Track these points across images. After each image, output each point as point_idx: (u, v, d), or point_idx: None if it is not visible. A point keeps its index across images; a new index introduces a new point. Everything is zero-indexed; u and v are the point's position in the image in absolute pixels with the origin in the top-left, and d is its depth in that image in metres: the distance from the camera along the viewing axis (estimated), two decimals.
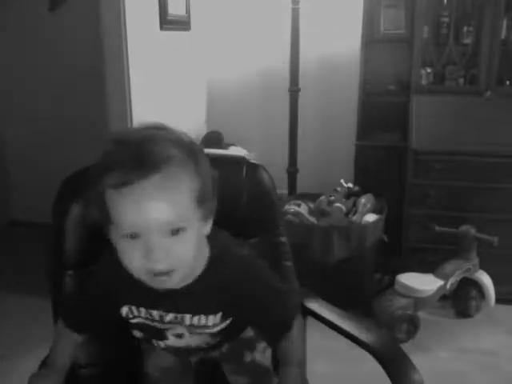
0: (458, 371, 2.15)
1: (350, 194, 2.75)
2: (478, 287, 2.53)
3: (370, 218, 2.58)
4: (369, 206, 2.67)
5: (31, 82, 3.55)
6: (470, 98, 2.70)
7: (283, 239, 1.31)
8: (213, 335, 1.00)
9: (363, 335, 1.13)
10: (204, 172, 0.84)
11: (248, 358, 1.12)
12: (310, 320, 1.28)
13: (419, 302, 2.39)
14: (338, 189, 2.77)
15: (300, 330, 1.02)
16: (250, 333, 1.12)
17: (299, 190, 3.01)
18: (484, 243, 2.43)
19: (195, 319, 0.96)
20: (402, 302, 2.37)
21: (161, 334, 1.00)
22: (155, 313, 0.97)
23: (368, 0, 2.86)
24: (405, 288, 2.40)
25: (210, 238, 0.93)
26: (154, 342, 1.04)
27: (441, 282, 2.43)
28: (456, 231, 2.48)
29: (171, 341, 1.01)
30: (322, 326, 1.23)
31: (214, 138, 3.10)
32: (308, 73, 3.00)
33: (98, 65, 2.55)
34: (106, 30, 2.38)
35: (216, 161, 0.93)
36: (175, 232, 0.81)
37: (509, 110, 2.65)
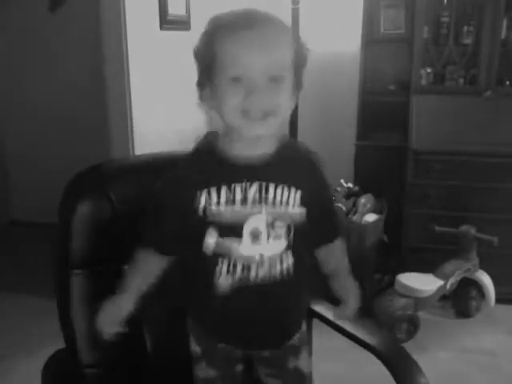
0: (458, 371, 2.15)
1: (349, 194, 2.75)
2: (478, 287, 2.53)
3: (370, 218, 2.58)
4: (369, 206, 2.67)
5: (31, 81, 3.55)
6: (470, 98, 2.70)
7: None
8: (287, 234, 0.97)
9: (369, 338, 1.13)
10: (300, 43, 0.94)
11: (291, 364, 1.08)
12: (315, 322, 1.29)
13: (419, 302, 2.39)
14: (338, 189, 2.77)
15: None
16: (295, 340, 1.08)
17: None
18: (484, 243, 2.43)
19: (278, 191, 0.95)
20: (402, 302, 2.37)
21: (238, 231, 0.94)
22: (238, 188, 0.93)
23: (368, 0, 2.87)
24: (405, 288, 2.40)
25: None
26: (226, 252, 0.96)
27: (441, 282, 2.43)
28: (456, 231, 2.48)
29: (246, 245, 0.94)
30: (327, 327, 1.23)
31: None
32: (308, 72, 3.00)
33: (97, 65, 2.55)
34: (105, 30, 2.38)
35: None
36: (275, 80, 0.88)
37: (509, 110, 2.65)
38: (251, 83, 0.87)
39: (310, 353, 1.14)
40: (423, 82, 2.79)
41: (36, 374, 2.18)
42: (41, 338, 2.37)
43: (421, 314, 2.42)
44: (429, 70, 2.79)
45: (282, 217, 0.96)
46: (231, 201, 0.93)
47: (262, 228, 0.95)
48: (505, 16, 2.64)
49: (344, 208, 2.64)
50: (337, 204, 2.65)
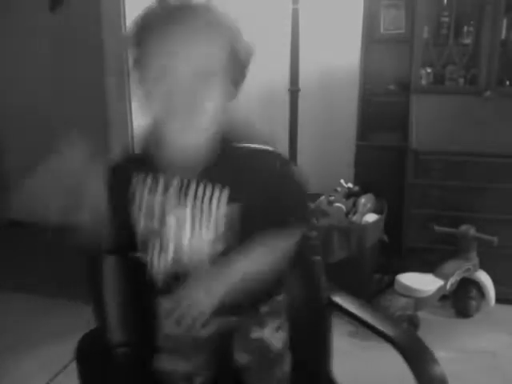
0: (458, 371, 2.15)
1: (350, 194, 2.75)
2: (478, 287, 2.53)
3: (370, 218, 2.58)
4: (369, 206, 2.67)
5: (31, 81, 3.55)
6: (470, 98, 2.70)
7: (312, 234, 1.32)
8: (215, 232, 0.96)
9: (387, 329, 1.15)
10: (238, 41, 0.91)
11: (255, 334, 1.06)
12: None
13: (419, 302, 2.39)
14: (338, 189, 2.77)
15: (284, 252, 1.01)
16: (265, 308, 1.07)
17: None
18: (484, 243, 2.43)
19: (200, 188, 0.95)
20: (402, 302, 2.37)
21: (162, 220, 0.97)
22: (161, 179, 0.96)
23: (368, 0, 2.86)
24: (405, 288, 2.40)
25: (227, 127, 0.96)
26: (157, 236, 0.99)
27: (441, 282, 2.43)
28: (456, 231, 2.48)
29: (173, 232, 0.97)
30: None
31: None
32: (308, 73, 3.00)
33: (97, 65, 2.55)
34: (105, 30, 2.38)
35: (247, 154, 0.99)
36: (201, 76, 0.86)
37: (509, 110, 2.65)
38: (176, 77, 0.86)
39: (283, 327, 1.12)
40: (423, 81, 2.79)
41: (37, 373, 2.20)
42: (41, 337, 2.37)
43: (421, 314, 2.42)
44: (429, 70, 2.79)
45: (205, 213, 0.96)
46: (153, 192, 0.97)
47: (187, 220, 0.96)
48: (505, 16, 2.63)
49: (344, 208, 2.64)
50: (337, 204, 2.65)
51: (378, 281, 2.75)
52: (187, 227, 0.96)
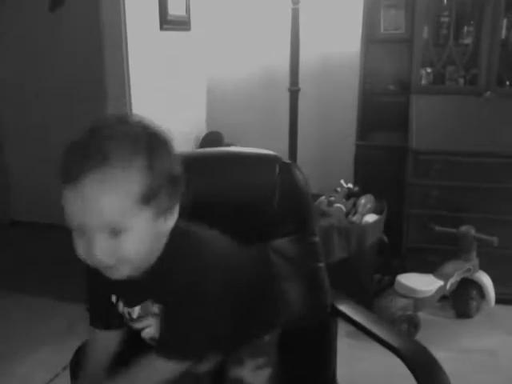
0: (458, 371, 2.13)
1: (349, 195, 2.75)
2: (478, 287, 2.53)
3: (370, 218, 2.58)
4: (369, 206, 2.67)
5: (31, 82, 3.55)
6: (470, 98, 2.70)
7: (316, 239, 1.31)
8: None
9: (393, 340, 1.13)
10: (158, 169, 0.82)
11: (233, 374, 1.07)
12: None
13: (419, 302, 2.39)
14: (338, 189, 2.77)
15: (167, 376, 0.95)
16: (245, 348, 1.08)
17: None
18: (484, 243, 2.43)
19: (156, 307, 0.96)
20: (402, 302, 2.37)
21: (138, 334, 1.02)
22: (125, 309, 1.00)
23: (368, 0, 2.86)
24: (405, 288, 2.40)
25: (175, 230, 0.91)
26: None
27: (441, 283, 2.43)
28: (456, 231, 2.48)
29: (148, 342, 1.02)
30: None
31: (213, 139, 3.10)
32: (308, 73, 3.00)
33: (97, 64, 2.55)
34: (105, 30, 2.38)
35: (248, 158, 0.93)
36: (116, 232, 0.81)
37: (509, 110, 2.65)
38: (90, 239, 0.81)
39: (266, 366, 1.10)
40: (423, 81, 2.79)
41: (37, 373, 2.19)
42: (41, 337, 2.37)
43: (421, 315, 2.41)
44: (429, 70, 2.79)
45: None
46: (127, 317, 1.00)
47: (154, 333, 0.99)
48: (505, 16, 2.64)
49: (344, 208, 2.64)
50: (337, 204, 2.65)
51: (378, 281, 2.75)
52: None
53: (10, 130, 3.70)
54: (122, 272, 0.86)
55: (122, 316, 1.03)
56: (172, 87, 2.80)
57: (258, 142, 3.21)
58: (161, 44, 2.64)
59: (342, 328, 1.28)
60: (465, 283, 2.51)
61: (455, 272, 2.47)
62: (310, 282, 1.31)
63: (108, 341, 1.07)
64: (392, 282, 2.49)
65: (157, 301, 0.95)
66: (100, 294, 1.02)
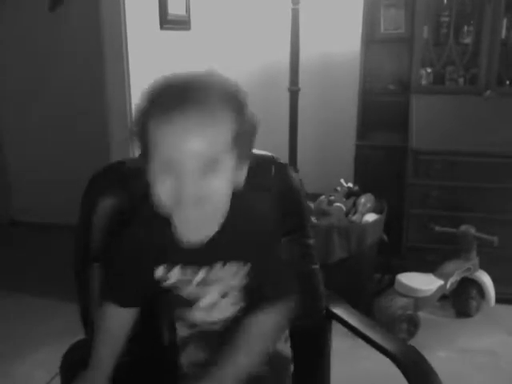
0: (458, 371, 2.15)
1: (349, 194, 2.75)
2: (478, 287, 2.53)
3: (370, 217, 2.58)
4: (369, 205, 2.67)
5: (31, 82, 3.55)
6: (470, 98, 2.70)
7: (311, 241, 1.31)
8: (242, 300, 1.00)
9: (388, 344, 1.13)
10: (242, 118, 0.88)
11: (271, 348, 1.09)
12: None
13: (419, 301, 2.39)
14: (338, 188, 2.77)
15: (278, 326, 1.01)
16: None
17: None
18: (484, 243, 2.43)
19: (227, 268, 0.97)
20: (402, 301, 2.37)
21: (191, 304, 1.00)
22: (189, 270, 0.97)
23: (368, 0, 2.86)
24: (405, 288, 2.40)
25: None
26: (183, 317, 1.03)
27: (441, 282, 2.43)
28: (456, 231, 2.48)
29: (200, 314, 1.01)
30: None
31: None
32: (308, 72, 3.00)
33: (97, 64, 2.55)
34: (105, 30, 2.38)
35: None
36: (208, 166, 0.83)
37: (509, 110, 2.65)
38: (182, 171, 0.83)
39: (287, 338, 1.14)
40: (423, 81, 2.79)
41: (37, 373, 2.19)
42: (41, 337, 2.37)
43: (421, 314, 2.41)
44: (429, 70, 2.79)
45: (233, 289, 0.99)
46: (185, 280, 0.98)
47: (216, 300, 0.99)
48: (505, 16, 2.64)
49: (344, 208, 2.64)
50: (337, 204, 2.65)
51: (378, 280, 2.75)
52: (215, 309, 1.00)
53: (10, 129, 3.70)
54: (204, 212, 0.86)
55: (143, 292, 1.01)
56: None
57: (258, 141, 3.20)
58: (161, 44, 2.64)
59: (342, 327, 1.28)
60: (465, 282, 2.52)
61: (455, 271, 2.47)
62: (304, 284, 1.29)
63: (124, 320, 1.04)
64: (392, 281, 2.49)
65: (233, 259, 0.96)
66: (139, 264, 0.99)
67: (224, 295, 0.99)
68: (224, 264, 0.96)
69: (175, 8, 2.68)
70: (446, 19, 2.73)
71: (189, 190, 0.83)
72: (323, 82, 3.17)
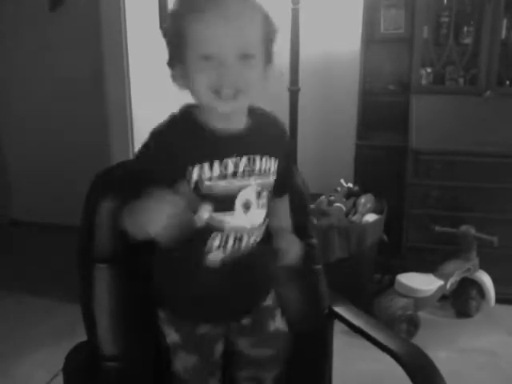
0: (458, 371, 2.15)
1: (349, 194, 2.75)
2: (478, 287, 2.53)
3: (370, 217, 2.58)
4: (369, 205, 2.67)
5: (31, 82, 3.55)
6: (470, 98, 2.70)
7: (314, 241, 1.31)
8: (268, 202, 1.03)
9: (391, 343, 1.13)
10: (272, 22, 0.96)
11: (272, 327, 1.12)
12: None
13: (419, 301, 2.39)
14: (338, 189, 2.77)
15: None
16: (269, 301, 1.12)
17: None
18: (484, 243, 2.43)
19: (263, 162, 1.00)
20: (402, 301, 2.37)
21: (230, 204, 0.97)
22: (230, 162, 0.96)
23: (368, 0, 2.87)
24: (405, 288, 2.40)
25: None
26: (219, 226, 0.98)
27: (441, 282, 2.43)
28: (456, 231, 2.48)
29: (238, 216, 0.98)
30: None
31: None
32: (308, 72, 3.00)
33: (97, 65, 2.55)
34: (105, 30, 2.38)
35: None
36: (246, 56, 0.90)
37: (509, 110, 2.65)
38: (221, 61, 0.88)
39: (281, 313, 1.17)
40: (423, 81, 2.79)
41: (37, 373, 2.20)
42: (41, 337, 2.37)
43: (421, 314, 2.42)
44: (429, 70, 2.79)
45: (266, 186, 1.02)
46: (223, 175, 0.96)
47: (253, 199, 1.00)
48: (505, 16, 2.64)
49: (344, 208, 2.64)
50: (337, 204, 2.65)
51: (378, 280, 2.75)
52: (253, 209, 1.00)
53: (10, 129, 3.70)
54: (239, 102, 0.92)
55: None
56: (172, 86, 2.80)
57: None
58: (161, 43, 2.64)
59: (341, 326, 1.28)
60: (465, 283, 2.52)
61: (455, 271, 2.47)
62: (307, 284, 1.30)
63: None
64: (392, 281, 2.49)
65: (266, 154, 1.00)
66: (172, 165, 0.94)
67: (259, 193, 1.01)
68: (262, 156, 1.00)
69: None
70: (446, 19, 2.73)
71: (229, 80, 0.89)
72: (323, 81, 3.17)
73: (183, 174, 0.94)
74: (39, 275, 2.98)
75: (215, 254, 0.99)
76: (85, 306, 1.15)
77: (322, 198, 2.71)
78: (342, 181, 2.81)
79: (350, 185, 2.80)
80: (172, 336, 1.09)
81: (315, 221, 2.60)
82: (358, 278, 2.59)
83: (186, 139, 0.96)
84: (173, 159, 0.94)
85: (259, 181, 1.00)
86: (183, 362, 1.11)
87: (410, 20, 2.83)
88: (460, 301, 2.58)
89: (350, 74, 2.99)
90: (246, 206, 0.99)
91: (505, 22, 2.65)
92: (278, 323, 1.14)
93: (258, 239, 1.04)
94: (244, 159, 0.97)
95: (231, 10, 0.88)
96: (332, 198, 2.68)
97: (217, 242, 0.98)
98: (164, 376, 1.17)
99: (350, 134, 3.03)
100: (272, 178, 1.02)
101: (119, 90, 2.42)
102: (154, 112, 2.59)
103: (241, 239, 1.00)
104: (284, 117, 2.90)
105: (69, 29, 3.36)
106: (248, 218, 1.00)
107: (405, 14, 2.89)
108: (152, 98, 2.61)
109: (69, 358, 1.13)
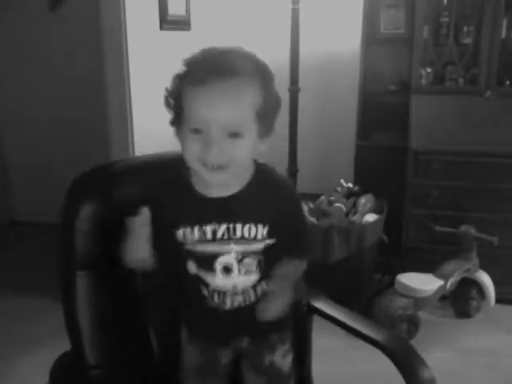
0: (458, 371, 2.15)
1: (350, 194, 2.75)
2: (478, 287, 2.53)
3: (370, 217, 2.58)
4: (369, 205, 2.67)
5: (31, 82, 3.55)
6: (470, 98, 2.70)
7: None
8: (258, 267, 1.03)
9: (373, 333, 1.15)
10: (269, 93, 0.95)
11: (267, 359, 1.13)
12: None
13: (419, 302, 2.39)
14: (338, 189, 2.77)
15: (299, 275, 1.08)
16: (273, 335, 1.12)
17: (299, 190, 2.99)
18: (484, 243, 2.43)
19: (246, 229, 1.01)
20: (402, 302, 2.37)
21: (210, 264, 1.02)
22: (208, 228, 1.00)
23: (368, 0, 2.87)
24: (405, 288, 2.40)
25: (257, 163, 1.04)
26: (203, 282, 1.04)
27: (441, 282, 2.43)
28: (456, 231, 2.48)
29: (219, 279, 1.03)
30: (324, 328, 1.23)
31: None
32: (308, 72, 3.00)
33: (97, 65, 2.55)
34: (105, 30, 2.38)
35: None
36: (234, 135, 0.92)
37: (509, 110, 2.65)
38: (209, 137, 0.91)
39: (290, 351, 1.16)
40: (423, 81, 2.79)
41: (37, 374, 2.18)
42: (41, 337, 2.37)
43: (421, 314, 2.41)
44: (429, 70, 2.79)
45: (250, 253, 1.02)
46: (203, 240, 1.01)
47: (233, 264, 1.02)
48: (505, 16, 2.64)
49: (344, 208, 2.64)
50: (337, 204, 2.65)
51: (378, 280, 2.75)
52: (234, 274, 1.03)
53: (10, 129, 3.70)
54: (227, 173, 0.95)
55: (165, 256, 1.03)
56: None
57: None
58: (161, 44, 2.64)
59: (339, 329, 1.28)
60: (465, 283, 2.52)
61: (455, 271, 2.47)
62: None
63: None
64: (392, 281, 2.49)
65: (252, 221, 1.01)
66: (160, 227, 1.01)
67: (241, 259, 1.02)
68: (244, 224, 1.01)
69: (175, 8, 2.68)
70: (446, 19, 2.73)
71: (214, 156, 0.92)
72: (323, 81, 3.17)
73: (174, 233, 1.02)
74: (39, 275, 2.98)
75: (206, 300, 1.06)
76: (67, 313, 1.14)
77: (322, 197, 2.71)
78: (342, 181, 2.81)
79: (350, 185, 2.80)
80: (184, 332, 1.14)
81: (315, 221, 2.60)
82: (358, 278, 2.59)
83: (175, 201, 1.02)
84: (163, 219, 1.01)
85: (240, 248, 1.01)
86: (189, 362, 1.14)
87: (410, 20, 2.84)
88: (460, 301, 2.58)
89: (350, 74, 3.00)
90: (226, 270, 1.03)
91: (505, 21, 2.65)
92: (277, 358, 1.14)
93: (248, 302, 1.06)
94: (223, 226, 1.00)
95: (225, 90, 0.90)
96: (332, 198, 2.69)
97: (205, 293, 1.05)
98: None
99: (350, 134, 3.03)
100: (260, 245, 1.02)
101: (119, 91, 2.42)
102: (154, 111, 2.59)
103: (224, 299, 1.05)
104: (284, 117, 2.90)
105: (69, 29, 3.36)
106: (229, 281, 1.03)
107: (405, 14, 2.89)
108: (152, 98, 2.61)
109: (54, 369, 1.14)
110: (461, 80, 2.77)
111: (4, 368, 2.19)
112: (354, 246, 2.49)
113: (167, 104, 1.00)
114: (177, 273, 1.06)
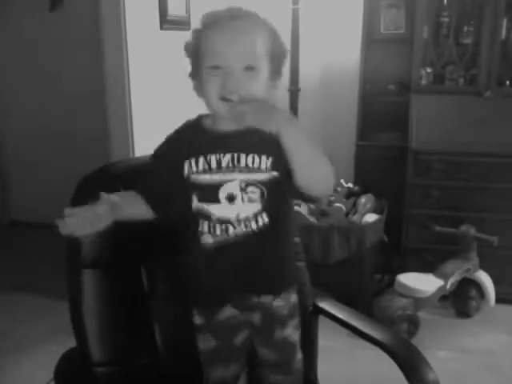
0: (458, 371, 2.15)
1: (350, 194, 2.75)
2: (478, 287, 2.53)
3: (370, 218, 2.58)
4: (369, 205, 2.67)
5: (31, 82, 3.55)
6: (470, 98, 2.70)
7: (296, 239, 1.32)
8: (261, 197, 1.06)
9: (378, 334, 1.15)
10: (276, 40, 1.06)
11: (278, 334, 1.15)
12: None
13: (419, 302, 2.39)
14: (338, 189, 2.77)
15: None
16: (284, 310, 1.14)
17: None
18: (484, 243, 2.43)
19: (250, 159, 1.05)
20: (402, 302, 2.37)
21: (215, 194, 1.05)
22: (213, 158, 1.05)
23: (368, 0, 2.87)
24: (405, 288, 2.40)
25: None
26: (204, 216, 1.07)
27: (441, 282, 2.43)
28: (456, 231, 2.48)
29: (223, 207, 1.06)
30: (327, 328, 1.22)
31: None
32: (308, 73, 3.00)
33: (97, 65, 2.55)
34: (105, 30, 2.38)
35: None
36: (249, 68, 1.00)
37: (509, 110, 2.65)
38: (227, 71, 0.99)
39: (298, 326, 1.18)
40: (423, 81, 2.79)
41: (37, 373, 2.19)
42: (41, 337, 2.37)
43: (421, 314, 2.42)
44: (429, 70, 2.80)
45: (254, 182, 1.06)
46: (208, 169, 1.06)
47: (236, 192, 1.06)
48: (505, 16, 2.64)
49: (344, 208, 2.64)
50: (337, 204, 2.65)
51: (378, 280, 2.75)
52: (237, 202, 1.06)
53: (10, 129, 3.70)
54: (241, 108, 0.98)
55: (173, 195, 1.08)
56: (172, 87, 2.80)
57: None
58: (161, 44, 2.64)
59: (341, 329, 1.28)
60: (465, 283, 2.52)
61: (455, 271, 2.47)
62: None
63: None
64: (392, 281, 2.49)
65: (256, 152, 1.05)
66: (164, 181, 1.09)
67: (244, 188, 1.05)
68: (247, 154, 1.05)
69: (175, 8, 2.68)
70: (446, 19, 2.73)
71: (234, 86, 0.99)
72: (323, 81, 3.17)
73: (181, 167, 1.07)
74: (39, 275, 2.98)
75: (206, 237, 1.09)
76: (73, 311, 1.14)
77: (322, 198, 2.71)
78: (342, 181, 2.81)
79: (350, 185, 2.80)
80: (196, 318, 1.16)
81: (315, 221, 2.60)
82: (358, 278, 2.58)
83: (186, 139, 1.10)
84: (174, 155, 1.09)
85: (244, 176, 1.05)
86: (204, 344, 1.16)
87: (410, 20, 2.84)
88: (460, 301, 2.58)
89: (350, 74, 3.00)
90: (230, 199, 1.06)
91: (505, 21, 2.65)
92: (288, 333, 1.16)
93: (251, 231, 1.07)
94: (228, 156, 1.05)
95: (240, 27, 1.01)
96: (332, 198, 2.68)
97: (206, 229, 1.08)
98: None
99: (350, 133, 3.03)
100: (265, 175, 1.06)
101: (119, 91, 2.42)
102: (153, 111, 2.59)
103: (227, 229, 1.07)
104: None
105: (69, 29, 3.36)
106: (233, 209, 1.06)
107: (405, 14, 2.89)
108: (152, 99, 2.60)
109: (59, 366, 1.13)
110: (461, 80, 2.77)
111: (4, 367, 2.19)
112: (354, 246, 2.49)
113: (188, 55, 1.09)
114: (183, 216, 1.09)
